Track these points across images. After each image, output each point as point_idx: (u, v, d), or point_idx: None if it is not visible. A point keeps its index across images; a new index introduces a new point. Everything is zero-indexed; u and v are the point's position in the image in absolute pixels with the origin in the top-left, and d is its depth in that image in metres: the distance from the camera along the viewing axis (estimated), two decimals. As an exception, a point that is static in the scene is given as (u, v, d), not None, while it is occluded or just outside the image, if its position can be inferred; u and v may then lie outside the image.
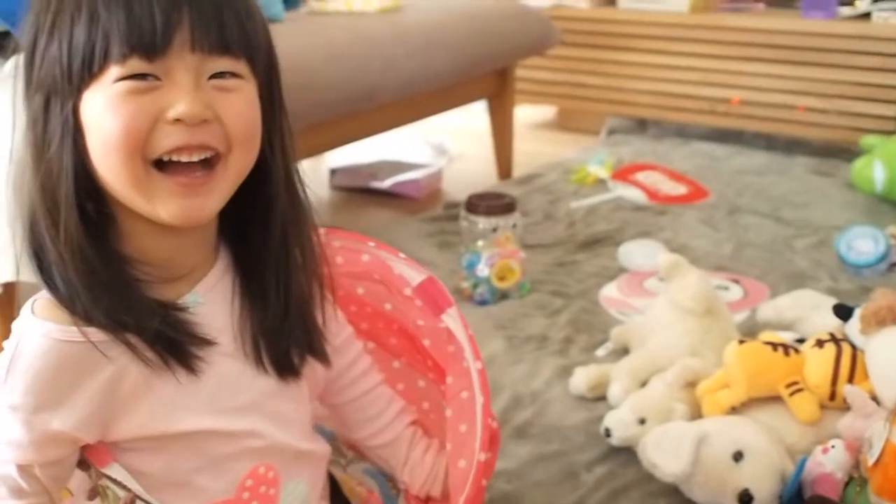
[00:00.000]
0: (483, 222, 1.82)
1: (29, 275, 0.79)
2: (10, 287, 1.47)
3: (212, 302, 0.84)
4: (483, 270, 1.79)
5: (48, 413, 0.77)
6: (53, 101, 0.76)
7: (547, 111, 3.38)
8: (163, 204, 0.76)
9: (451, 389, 0.98)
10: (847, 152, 2.58)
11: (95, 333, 0.76)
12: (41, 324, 0.77)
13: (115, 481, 0.82)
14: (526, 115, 3.27)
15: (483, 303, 1.81)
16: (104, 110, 0.73)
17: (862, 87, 2.67)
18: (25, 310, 0.78)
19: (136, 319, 0.77)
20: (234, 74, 0.77)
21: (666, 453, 1.20)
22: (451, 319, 0.97)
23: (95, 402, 0.78)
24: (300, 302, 0.88)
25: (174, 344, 0.79)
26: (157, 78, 0.74)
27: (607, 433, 1.33)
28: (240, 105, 0.78)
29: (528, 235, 2.09)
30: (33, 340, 0.76)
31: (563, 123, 3.30)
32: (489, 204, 1.83)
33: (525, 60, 2.71)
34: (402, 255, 1.01)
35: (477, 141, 2.92)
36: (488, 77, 2.53)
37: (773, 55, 2.78)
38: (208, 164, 0.77)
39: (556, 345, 1.65)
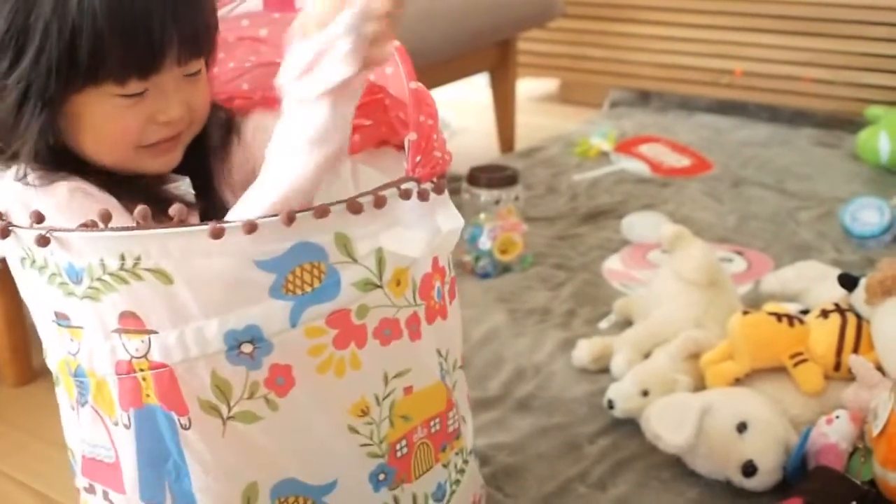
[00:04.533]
0: (485, 195, 1.80)
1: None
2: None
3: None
4: (485, 243, 1.78)
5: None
6: (33, 94, 0.83)
7: (549, 84, 3.35)
8: (144, 166, 0.92)
9: None
10: (852, 123, 2.56)
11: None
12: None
13: None
14: (528, 87, 3.24)
15: (485, 276, 1.80)
16: (105, 117, 0.86)
17: (867, 57, 2.64)
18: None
19: (125, 187, 0.90)
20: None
21: (669, 425, 1.20)
22: None
23: None
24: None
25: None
26: (147, 88, 0.86)
27: (610, 405, 1.32)
28: (202, 91, 0.92)
29: (530, 208, 2.08)
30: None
31: (566, 96, 3.27)
32: (491, 176, 1.81)
33: (527, 32, 2.68)
34: None
35: (478, 114, 2.90)
36: (490, 49, 2.50)
37: (778, 25, 2.75)
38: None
39: (559, 317, 1.64)
